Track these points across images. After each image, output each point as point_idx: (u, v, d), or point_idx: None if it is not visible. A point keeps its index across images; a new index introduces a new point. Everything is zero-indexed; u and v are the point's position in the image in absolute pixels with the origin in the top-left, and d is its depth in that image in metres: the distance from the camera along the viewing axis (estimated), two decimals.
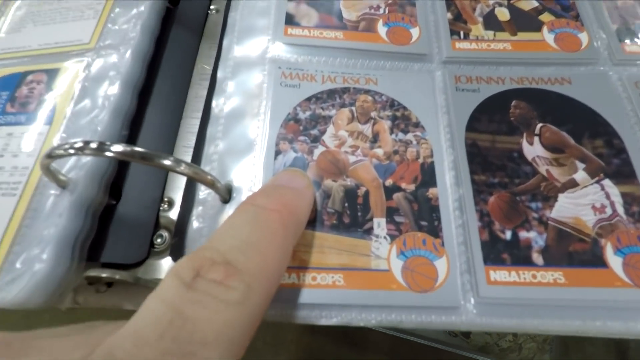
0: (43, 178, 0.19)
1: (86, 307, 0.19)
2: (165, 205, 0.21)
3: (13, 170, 0.19)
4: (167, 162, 0.15)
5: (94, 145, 0.15)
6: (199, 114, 0.24)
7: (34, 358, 0.11)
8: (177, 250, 0.19)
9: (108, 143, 0.15)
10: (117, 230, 0.20)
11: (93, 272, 0.17)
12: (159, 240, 0.21)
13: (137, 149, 0.15)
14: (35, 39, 0.24)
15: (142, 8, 0.23)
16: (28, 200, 0.18)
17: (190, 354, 0.10)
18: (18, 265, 0.17)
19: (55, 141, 0.20)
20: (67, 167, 0.19)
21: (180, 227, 0.20)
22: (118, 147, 0.15)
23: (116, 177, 0.21)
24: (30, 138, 0.20)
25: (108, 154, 0.15)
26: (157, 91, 0.23)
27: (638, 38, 0.22)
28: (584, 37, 0.22)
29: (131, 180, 0.21)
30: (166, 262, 0.20)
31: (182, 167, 0.16)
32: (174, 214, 0.21)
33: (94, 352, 0.10)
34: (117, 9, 0.24)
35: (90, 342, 0.11)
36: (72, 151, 0.15)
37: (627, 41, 0.22)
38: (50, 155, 0.15)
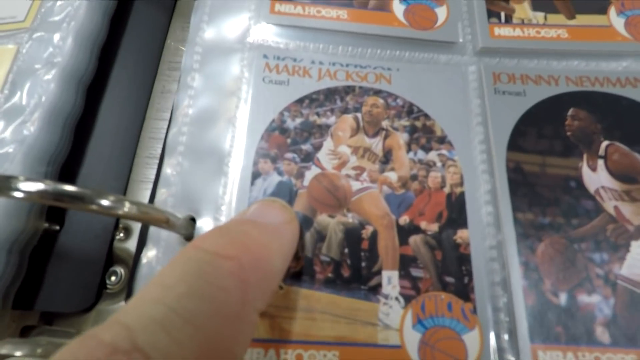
0: None
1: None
2: (122, 234, 0.17)
3: None
4: (106, 203, 0.11)
5: None
6: (167, 114, 0.19)
7: None
8: (134, 293, 0.15)
9: (17, 177, 0.10)
10: (57, 267, 0.16)
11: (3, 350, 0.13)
12: (112, 278, 0.16)
13: (57, 186, 0.10)
14: None
15: None
16: None
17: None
18: None
19: None
20: None
21: (138, 262, 0.15)
22: (31, 185, 0.10)
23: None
24: None
25: (14, 194, 0.10)
26: (113, 86, 0.19)
27: None
28: None
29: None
30: (120, 307, 0.16)
31: (126, 209, 0.11)
32: (132, 244, 0.17)
33: None
34: None
35: None
36: None
37: None
38: None
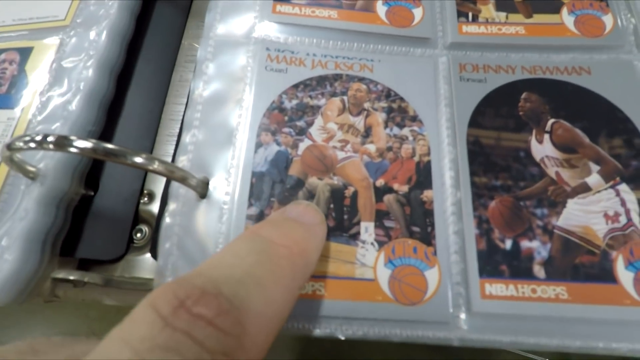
0: (11, 173, 0.18)
1: (66, 300, 0.19)
2: (146, 199, 0.20)
3: None
4: (137, 160, 0.14)
5: (51, 139, 0.13)
6: (184, 100, 0.22)
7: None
8: (156, 247, 0.18)
9: (70, 137, 0.14)
10: (94, 224, 0.19)
11: (60, 274, 0.16)
12: (138, 235, 0.20)
13: (103, 144, 0.13)
14: (9, 14, 0.23)
15: None
16: None
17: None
18: None
19: (27, 128, 0.19)
20: (38, 156, 0.18)
21: (160, 223, 0.19)
22: (83, 143, 0.13)
23: (93, 168, 0.19)
24: (0, 123, 0.19)
25: (71, 149, 0.13)
26: (138, 75, 0.22)
27: None
28: (608, 19, 0.20)
29: (109, 171, 0.20)
30: (146, 259, 0.19)
31: (156, 165, 0.14)
32: (155, 207, 0.20)
33: None
34: None
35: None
36: (32, 145, 0.14)
37: None
38: (10, 148, 0.14)
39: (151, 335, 0.09)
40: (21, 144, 0.14)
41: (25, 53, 0.21)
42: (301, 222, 0.14)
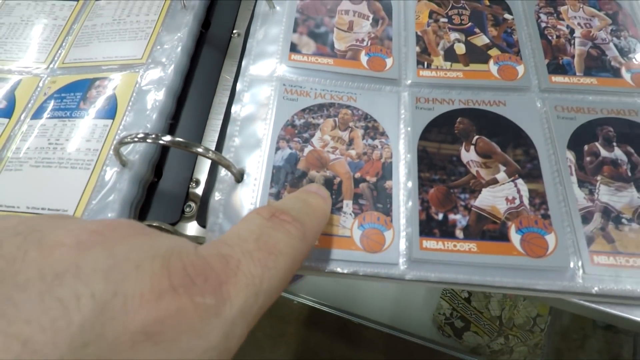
0: (108, 158, 0.26)
1: None
2: (193, 184, 0.28)
3: (87, 151, 0.27)
4: (200, 150, 0.22)
5: (152, 136, 0.22)
6: (221, 117, 0.31)
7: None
8: (200, 217, 0.26)
9: (160, 134, 0.22)
10: (158, 200, 0.27)
11: (146, 222, 0.24)
12: (187, 209, 0.28)
13: (180, 139, 0.22)
14: (100, 53, 0.32)
15: (183, 33, 0.31)
16: (97, 174, 0.26)
17: (271, 255, 0.15)
18: (94, 216, 0.24)
19: (116, 132, 0.27)
20: (127, 150, 0.26)
21: (204, 200, 0.27)
22: (167, 138, 0.22)
23: (159, 161, 0.28)
24: (98, 128, 0.28)
25: (161, 142, 0.22)
26: (190, 97, 0.30)
27: (563, 70, 0.28)
28: (521, 68, 0.28)
29: (169, 164, 0.28)
30: (192, 225, 0.27)
31: (210, 154, 0.23)
32: (199, 190, 0.28)
33: (205, 244, 0.15)
34: (163, 33, 0.31)
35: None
36: (136, 139, 0.22)
37: (554, 73, 0.28)
38: (122, 142, 0.23)
39: (262, 223, 0.16)
40: (129, 139, 0.22)
41: (114, 81, 0.30)
42: (319, 194, 0.22)
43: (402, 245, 0.23)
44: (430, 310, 0.93)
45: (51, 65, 0.33)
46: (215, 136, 0.30)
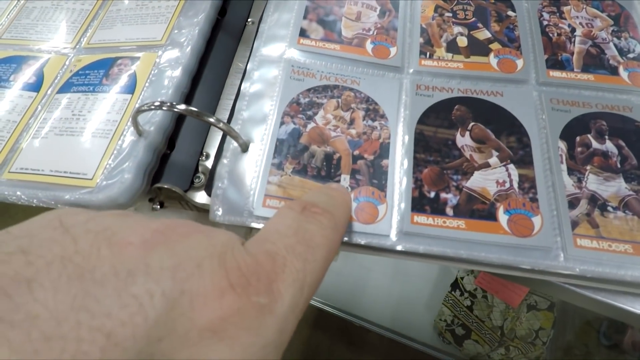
0: (126, 128, 0.28)
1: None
2: (203, 157, 0.30)
3: (107, 121, 0.29)
4: (211, 120, 0.24)
5: (167, 104, 0.24)
6: (233, 97, 0.33)
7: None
8: (208, 187, 0.28)
9: (175, 103, 0.24)
10: (170, 169, 0.29)
11: (159, 185, 0.26)
12: (196, 180, 0.29)
13: (193, 108, 0.24)
14: (123, 35, 0.34)
15: (200, 18, 0.33)
16: (115, 142, 0.28)
17: (310, 247, 0.16)
18: (111, 178, 0.26)
19: (135, 106, 0.29)
20: (143, 121, 0.28)
21: (212, 172, 0.28)
22: (182, 106, 0.24)
23: (173, 134, 0.30)
24: (118, 101, 0.30)
25: (175, 110, 0.24)
26: (205, 78, 0.32)
27: (561, 66, 0.29)
28: (520, 62, 0.30)
29: (182, 137, 0.30)
30: (201, 195, 0.29)
31: (220, 124, 0.24)
32: (209, 163, 0.30)
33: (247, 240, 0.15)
34: (181, 18, 0.33)
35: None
36: (153, 107, 0.24)
37: (552, 68, 0.29)
38: (139, 110, 0.25)
39: (296, 217, 0.17)
40: (145, 107, 0.24)
41: (134, 60, 0.32)
42: (339, 188, 0.23)
43: (395, 218, 0.24)
44: (431, 316, 0.93)
45: (77, 46, 0.35)
46: (226, 115, 0.32)
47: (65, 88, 0.32)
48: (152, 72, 0.31)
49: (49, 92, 0.32)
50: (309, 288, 0.15)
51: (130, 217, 0.14)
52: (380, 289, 0.96)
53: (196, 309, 0.11)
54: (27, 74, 0.33)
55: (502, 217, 0.24)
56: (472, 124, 0.27)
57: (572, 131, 0.27)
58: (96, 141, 0.28)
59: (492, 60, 0.30)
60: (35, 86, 0.33)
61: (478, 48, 0.31)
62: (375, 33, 0.31)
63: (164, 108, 0.23)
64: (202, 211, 0.27)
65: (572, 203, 0.24)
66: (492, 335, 0.88)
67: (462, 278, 0.89)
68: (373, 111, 0.28)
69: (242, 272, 0.13)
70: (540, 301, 0.85)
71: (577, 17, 0.32)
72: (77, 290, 0.10)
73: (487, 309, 0.88)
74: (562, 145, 0.26)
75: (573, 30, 0.32)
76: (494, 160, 0.26)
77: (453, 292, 0.91)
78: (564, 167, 0.25)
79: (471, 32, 0.31)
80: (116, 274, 0.11)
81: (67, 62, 0.34)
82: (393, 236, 0.24)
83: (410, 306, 0.98)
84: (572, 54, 0.30)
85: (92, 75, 0.32)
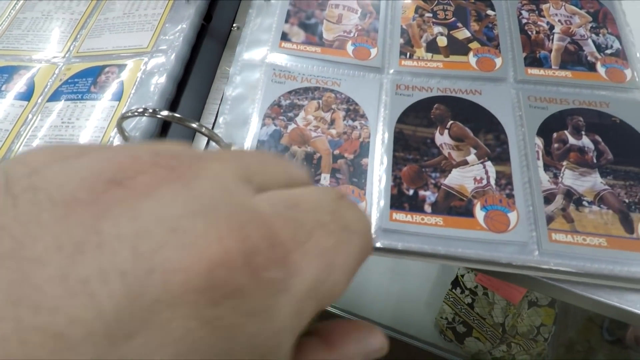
0: (112, 135, 0.29)
1: None
2: None
3: (95, 128, 0.30)
4: (194, 125, 0.25)
5: (150, 110, 0.24)
6: (218, 101, 0.33)
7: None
8: None
9: (158, 109, 0.24)
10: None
11: None
12: None
13: (176, 114, 0.24)
14: (110, 43, 0.35)
15: (185, 25, 0.33)
16: None
17: (346, 230, 0.12)
18: None
19: (121, 111, 0.30)
20: (129, 128, 0.29)
21: None
22: (165, 112, 0.24)
23: (159, 138, 0.30)
24: (105, 109, 0.31)
25: (159, 116, 0.24)
26: (191, 83, 0.33)
27: (539, 63, 0.30)
28: (499, 60, 0.30)
29: (169, 139, 0.31)
30: None
31: (203, 129, 0.25)
32: None
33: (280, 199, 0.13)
34: (167, 25, 0.34)
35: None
36: (137, 114, 0.25)
37: (531, 66, 0.30)
38: (124, 117, 0.25)
39: (335, 199, 0.13)
40: (129, 114, 0.25)
41: (121, 68, 0.33)
42: (345, 195, 0.23)
43: (374, 216, 0.25)
44: (432, 313, 0.93)
45: (67, 55, 0.36)
46: (212, 118, 0.32)
47: (55, 96, 0.33)
48: (138, 79, 0.31)
49: (39, 100, 0.33)
50: (340, 272, 0.11)
51: (88, 156, 0.10)
52: (381, 288, 0.97)
53: (174, 292, 0.08)
54: (18, 84, 0.34)
55: (479, 214, 0.24)
56: (450, 122, 0.28)
57: (549, 128, 0.27)
58: None
59: (471, 59, 0.30)
60: (26, 95, 0.34)
61: (457, 47, 0.31)
62: (356, 35, 0.32)
63: (146, 114, 0.24)
64: None
65: (548, 198, 0.25)
66: (494, 333, 0.88)
67: (462, 276, 0.89)
68: (353, 111, 0.28)
69: (243, 235, 0.09)
70: (541, 297, 0.85)
71: (556, 14, 0.33)
72: (13, 274, 0.08)
73: (488, 306, 0.88)
74: (539, 141, 0.27)
75: (552, 27, 0.32)
76: (471, 157, 0.26)
77: (454, 290, 0.91)
78: (540, 163, 0.26)
79: (451, 32, 0.32)
80: (60, 248, 0.08)
81: (56, 71, 0.35)
82: (372, 233, 0.24)
83: (410, 304, 0.98)
84: (551, 51, 0.31)
85: (81, 83, 0.33)
